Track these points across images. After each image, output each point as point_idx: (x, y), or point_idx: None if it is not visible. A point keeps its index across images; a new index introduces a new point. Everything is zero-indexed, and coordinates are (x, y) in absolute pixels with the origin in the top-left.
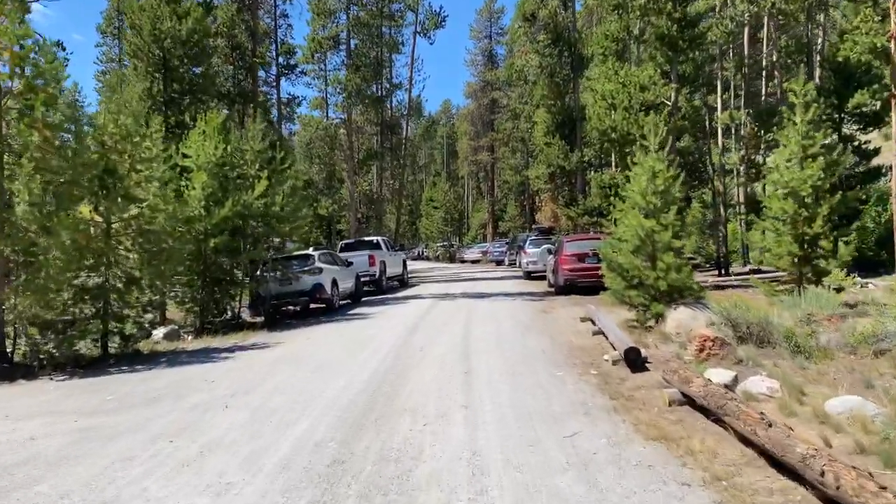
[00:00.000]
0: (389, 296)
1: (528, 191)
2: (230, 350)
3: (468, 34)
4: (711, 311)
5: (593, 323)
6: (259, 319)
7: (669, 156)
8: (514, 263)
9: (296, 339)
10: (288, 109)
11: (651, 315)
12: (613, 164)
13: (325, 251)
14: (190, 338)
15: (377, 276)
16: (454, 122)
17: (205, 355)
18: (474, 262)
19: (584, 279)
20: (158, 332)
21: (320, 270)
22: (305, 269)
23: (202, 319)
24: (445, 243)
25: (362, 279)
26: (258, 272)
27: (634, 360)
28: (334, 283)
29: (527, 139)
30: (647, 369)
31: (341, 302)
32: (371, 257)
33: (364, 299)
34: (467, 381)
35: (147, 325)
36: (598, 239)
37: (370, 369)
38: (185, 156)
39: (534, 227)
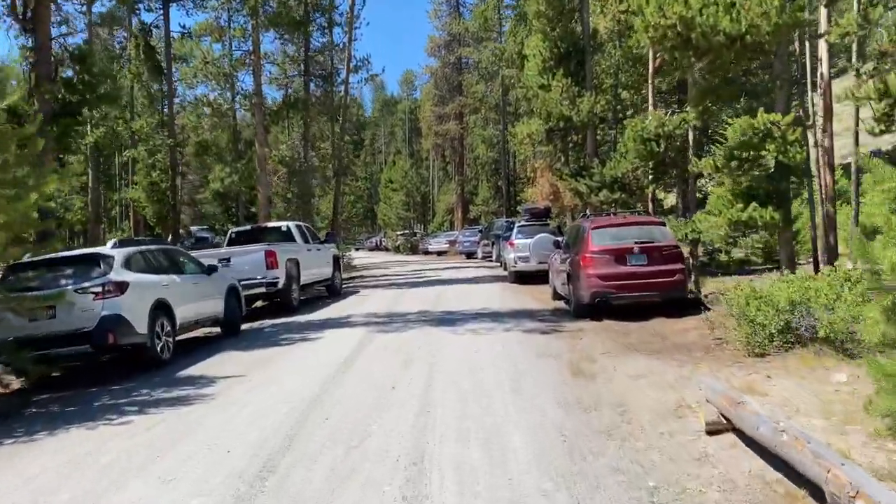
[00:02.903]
0: (299, 318)
1: (505, 169)
2: None
3: None
4: None
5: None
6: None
7: None
8: (490, 256)
9: None
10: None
11: None
12: (651, 106)
13: (147, 248)
14: None
15: (281, 286)
16: (418, 89)
17: None
18: (440, 253)
19: (626, 292)
20: None
21: (120, 288)
22: (85, 286)
23: None
24: (406, 232)
25: (253, 291)
26: None
27: None
28: (160, 310)
29: (502, 105)
30: None
31: (201, 333)
32: (269, 255)
33: (249, 327)
34: None
35: None
36: (647, 225)
37: None
38: None
39: (524, 207)
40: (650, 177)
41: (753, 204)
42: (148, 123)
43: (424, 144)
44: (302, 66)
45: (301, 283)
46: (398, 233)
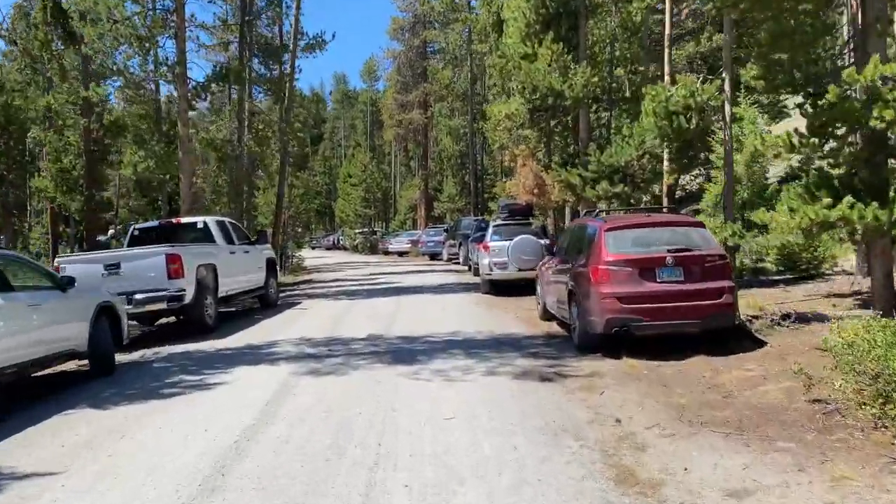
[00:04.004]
0: (209, 344)
1: (473, 163)
2: None
3: None
4: None
5: None
6: None
7: None
8: (456, 258)
9: None
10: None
11: None
12: (667, 76)
13: None
14: None
15: (189, 300)
16: (381, 79)
17: None
18: (401, 254)
19: (656, 319)
20: None
21: None
22: None
23: None
24: (366, 230)
25: (150, 307)
26: None
27: None
28: None
29: (471, 93)
30: None
31: (73, 365)
32: (172, 260)
33: (140, 355)
34: None
35: None
36: (680, 226)
37: None
38: None
39: (502, 203)
40: (669, 163)
41: (848, 198)
42: (56, 99)
43: (386, 136)
44: (238, 34)
45: (220, 294)
46: (357, 231)
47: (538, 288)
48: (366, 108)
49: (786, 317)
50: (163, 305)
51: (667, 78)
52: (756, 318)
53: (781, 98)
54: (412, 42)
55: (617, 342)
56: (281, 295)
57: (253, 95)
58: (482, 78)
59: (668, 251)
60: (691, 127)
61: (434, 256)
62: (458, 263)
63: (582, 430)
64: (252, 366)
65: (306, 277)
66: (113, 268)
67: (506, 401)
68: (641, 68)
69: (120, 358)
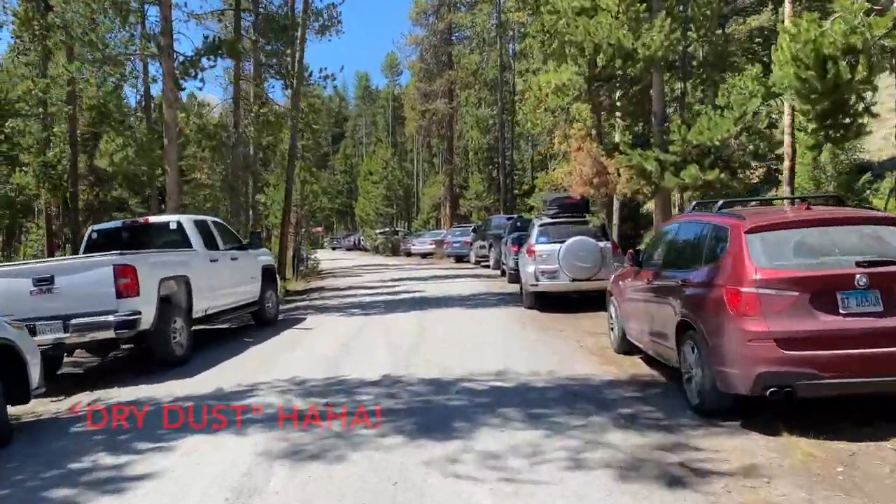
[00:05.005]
0: (166, 387)
1: (502, 157)
2: None
3: None
4: None
5: None
6: None
7: None
8: (486, 261)
9: None
10: None
11: None
12: (785, 17)
13: None
14: None
15: (148, 325)
16: (403, 73)
17: None
18: (425, 255)
19: (841, 375)
20: None
21: None
22: None
23: None
24: (387, 230)
25: (92, 335)
26: None
27: None
28: None
29: (500, 81)
30: None
31: None
32: (122, 272)
33: (75, 402)
34: None
35: None
36: (864, 224)
37: None
38: None
39: (549, 197)
40: (790, 136)
41: None
42: (36, 83)
43: (408, 130)
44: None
45: (197, 315)
46: (378, 231)
47: (612, 308)
48: (387, 104)
49: None
50: (109, 333)
51: (787, 20)
52: None
53: None
54: (436, 26)
55: (767, 404)
56: (286, 307)
57: (262, 79)
58: (512, 64)
59: (858, 265)
60: (855, 78)
61: (460, 258)
62: (488, 267)
63: None
64: (210, 434)
65: (319, 283)
66: (44, 283)
67: None
68: (718, 31)
69: (42, 409)
